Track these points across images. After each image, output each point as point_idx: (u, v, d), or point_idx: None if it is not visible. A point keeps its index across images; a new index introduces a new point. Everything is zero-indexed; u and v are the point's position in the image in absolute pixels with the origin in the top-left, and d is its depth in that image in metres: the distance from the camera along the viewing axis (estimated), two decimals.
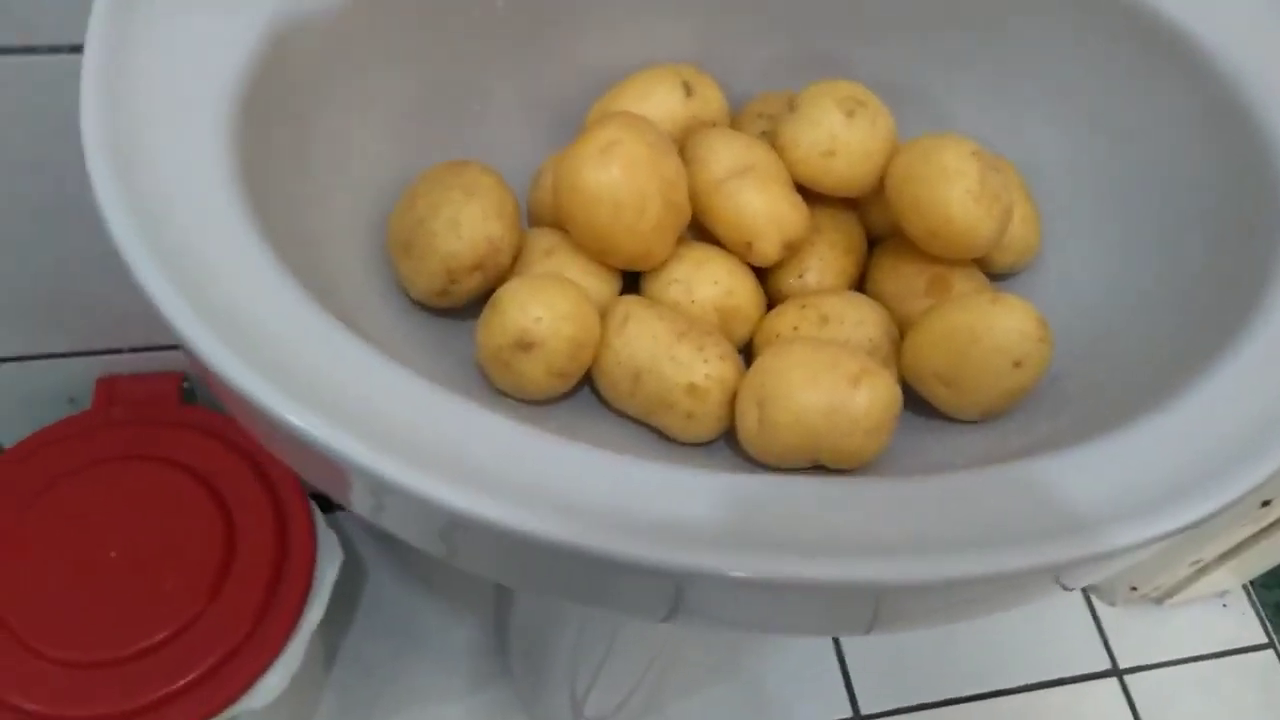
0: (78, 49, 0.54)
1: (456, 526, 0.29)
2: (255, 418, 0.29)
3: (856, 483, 0.33)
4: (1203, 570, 0.95)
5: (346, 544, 0.78)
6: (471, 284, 0.39)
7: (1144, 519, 0.31)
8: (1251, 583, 1.05)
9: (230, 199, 0.31)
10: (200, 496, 0.71)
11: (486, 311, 0.38)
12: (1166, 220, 0.43)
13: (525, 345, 0.37)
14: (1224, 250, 0.40)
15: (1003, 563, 0.30)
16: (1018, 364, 0.38)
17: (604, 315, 0.40)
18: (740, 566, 0.29)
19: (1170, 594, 1.00)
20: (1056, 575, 0.32)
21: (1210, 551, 0.92)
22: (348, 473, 0.28)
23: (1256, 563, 0.95)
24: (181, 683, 0.66)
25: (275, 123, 0.35)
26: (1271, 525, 0.87)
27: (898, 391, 0.37)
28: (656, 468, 0.31)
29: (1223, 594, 1.04)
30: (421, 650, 0.91)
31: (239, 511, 0.71)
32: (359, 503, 0.31)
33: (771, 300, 0.44)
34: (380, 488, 0.28)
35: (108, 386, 0.76)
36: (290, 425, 0.27)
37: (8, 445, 0.78)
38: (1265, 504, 0.84)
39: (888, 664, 0.97)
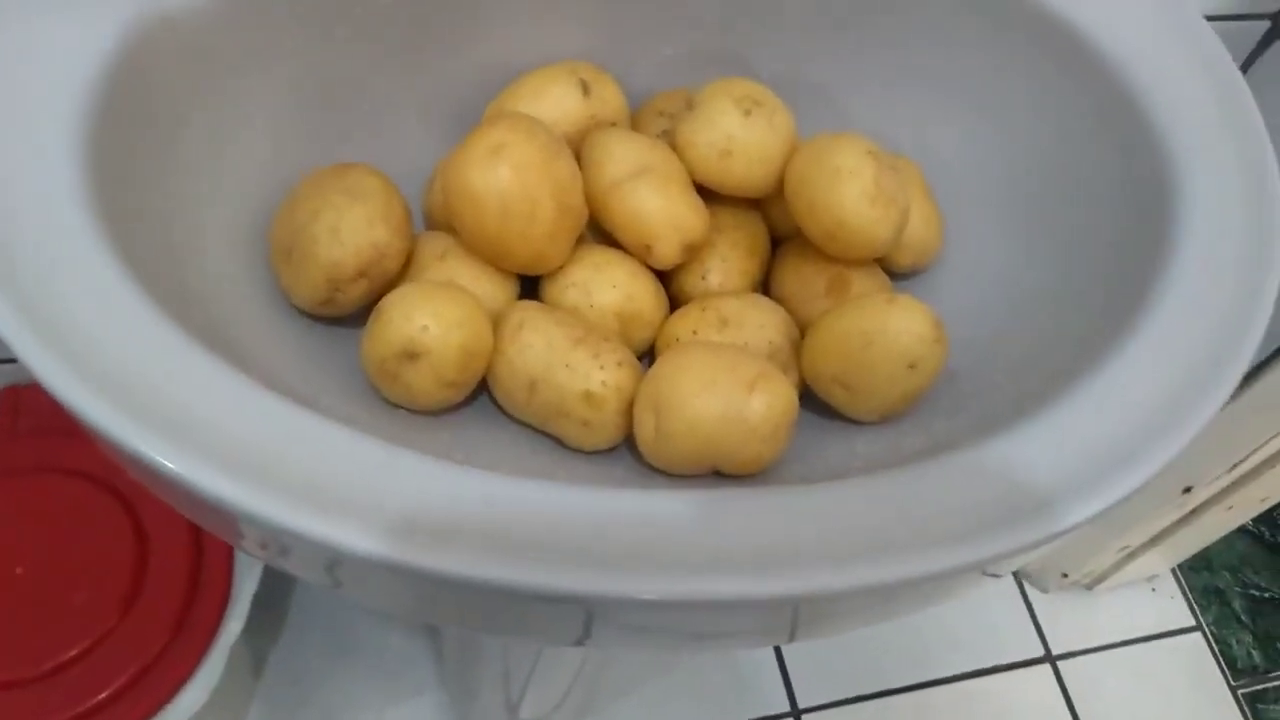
0: None
1: (335, 560, 0.28)
2: (111, 450, 0.27)
3: (758, 493, 0.33)
4: (1131, 555, 0.97)
5: None
6: (356, 292, 0.38)
7: (1043, 515, 0.31)
8: (1179, 566, 1.06)
9: (80, 214, 0.30)
10: (111, 507, 0.69)
11: (371, 321, 0.37)
12: (1064, 216, 0.43)
13: (412, 355, 0.36)
14: (1118, 244, 0.40)
15: (916, 566, 0.30)
16: (912, 366, 0.38)
17: (499, 322, 0.39)
18: (646, 590, 0.28)
19: (1100, 579, 1.01)
20: (981, 568, 0.32)
21: (1136, 537, 0.93)
22: (207, 504, 0.27)
23: (1183, 547, 0.97)
24: (94, 701, 0.64)
25: (138, 131, 0.34)
26: (1194, 510, 0.89)
27: (793, 396, 0.37)
28: (541, 486, 0.30)
29: (1151, 578, 1.06)
30: (353, 657, 0.89)
31: (151, 522, 0.69)
32: (228, 536, 0.30)
33: (675, 302, 0.43)
34: (233, 515, 0.27)
35: (13, 397, 0.73)
36: (133, 450, 0.26)
37: None
38: (1187, 490, 0.85)
39: (826, 656, 0.97)
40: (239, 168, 0.39)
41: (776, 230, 0.45)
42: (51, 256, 0.29)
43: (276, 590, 0.89)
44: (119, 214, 0.31)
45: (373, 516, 0.27)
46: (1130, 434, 0.33)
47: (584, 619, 0.32)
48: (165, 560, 0.68)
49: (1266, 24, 0.71)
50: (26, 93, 0.31)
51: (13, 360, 0.75)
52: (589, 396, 0.37)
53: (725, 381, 0.36)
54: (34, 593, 0.66)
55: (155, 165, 0.34)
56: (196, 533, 0.69)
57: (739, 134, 0.41)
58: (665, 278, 0.43)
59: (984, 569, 0.32)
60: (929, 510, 0.30)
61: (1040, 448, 0.33)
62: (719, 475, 0.38)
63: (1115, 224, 0.40)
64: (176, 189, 0.35)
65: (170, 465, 0.27)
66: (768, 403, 0.36)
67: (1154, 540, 0.94)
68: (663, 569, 0.29)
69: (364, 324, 0.38)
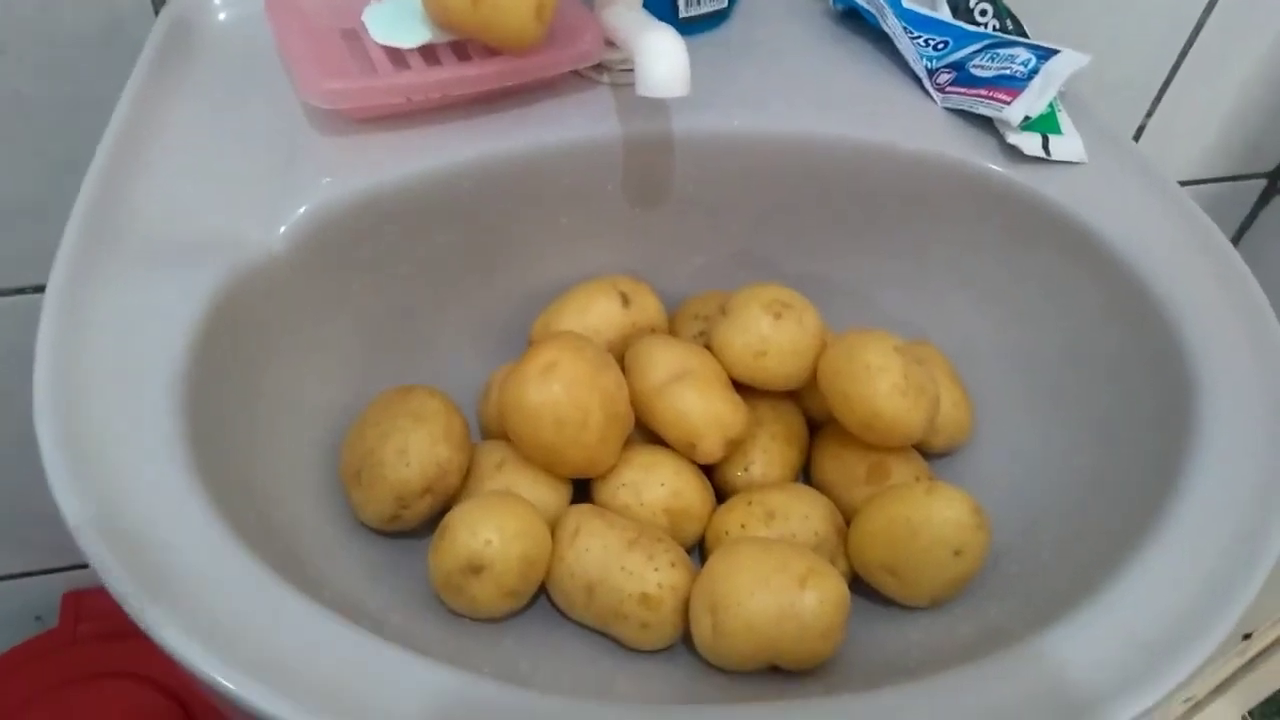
0: (39, 289, 0.57)
1: None
2: (204, 687, 0.29)
3: (817, 705, 0.33)
4: (1198, 706, 0.94)
5: None
6: (422, 508, 0.40)
7: (1116, 701, 0.31)
8: (1250, 713, 1.03)
9: (177, 460, 0.32)
10: (170, 711, 0.69)
11: (436, 537, 0.39)
12: (1087, 395, 0.45)
13: (476, 569, 0.38)
14: (1142, 419, 0.42)
15: None
16: (958, 553, 0.39)
17: (556, 526, 0.41)
18: None
19: None
20: None
21: (1201, 687, 0.91)
22: None
23: (1250, 694, 0.93)
24: None
25: (226, 374, 0.37)
26: (1257, 656, 0.87)
27: (845, 590, 0.38)
28: (611, 711, 0.31)
29: None
30: None
31: None
32: None
33: (720, 493, 0.45)
34: None
35: (74, 601, 0.75)
36: (226, 691, 0.28)
37: None
38: (1246, 637, 0.83)
39: None
40: (311, 399, 0.42)
41: (813, 416, 0.48)
42: (153, 508, 0.31)
43: None
44: (209, 461, 0.33)
45: None
46: (1179, 617, 0.34)
47: None
48: None
49: (1264, 182, 0.74)
50: (133, 353, 0.35)
51: (73, 566, 0.77)
52: (645, 599, 0.39)
53: (778, 579, 0.37)
54: None
55: (239, 408, 0.37)
56: None
57: (771, 335, 0.44)
58: (710, 470, 0.45)
59: None
60: (990, 712, 0.31)
61: (1092, 639, 0.33)
62: (777, 670, 0.39)
63: (1140, 404, 0.42)
64: (257, 428, 0.38)
65: (256, 702, 0.29)
66: (819, 599, 0.37)
67: (1219, 689, 0.91)
68: None
69: (427, 535, 0.40)
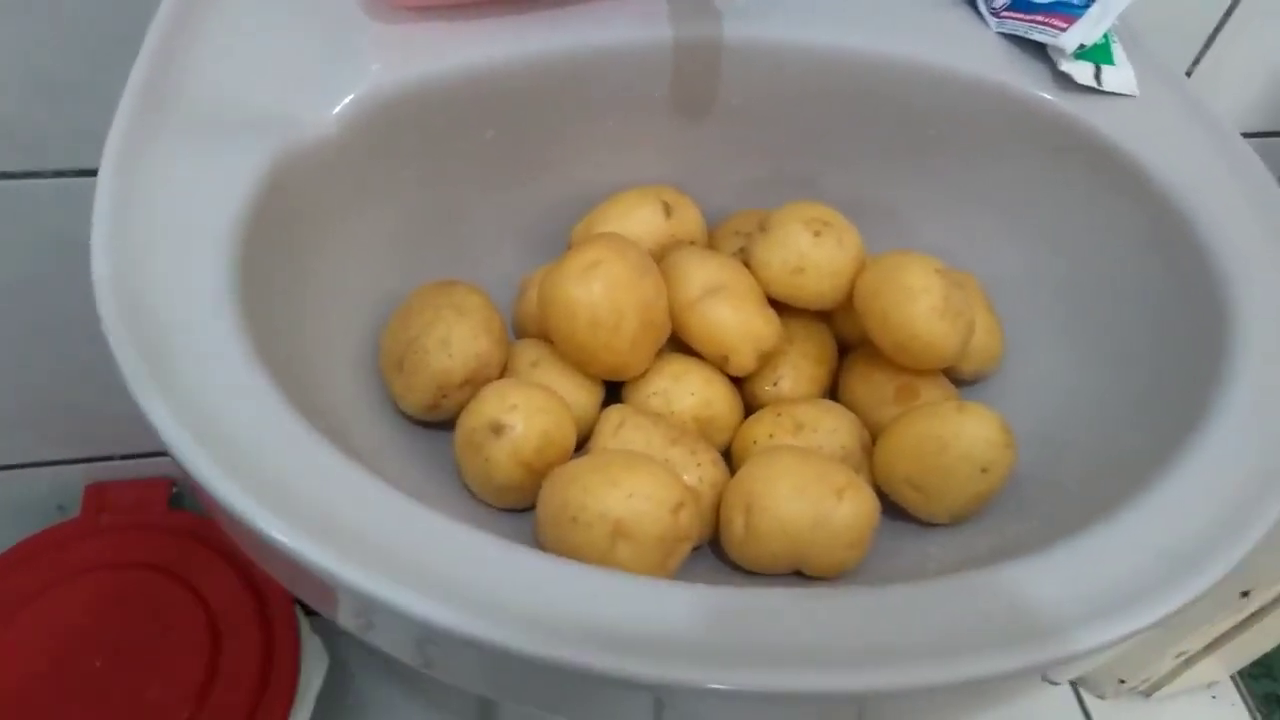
0: (81, 173, 0.57)
1: (431, 639, 0.30)
2: (248, 537, 0.30)
3: (835, 593, 0.34)
4: (1189, 661, 0.95)
5: (332, 648, 0.77)
6: (461, 398, 0.41)
7: (1112, 618, 0.32)
8: (1240, 673, 1.04)
9: (230, 328, 0.33)
10: (187, 602, 0.71)
11: (468, 403, 0.40)
12: (1120, 329, 0.45)
13: (497, 428, 0.39)
14: (1174, 356, 0.42)
15: (982, 667, 0.31)
16: (985, 470, 0.40)
17: (599, 419, 0.42)
18: (718, 679, 0.29)
19: (1158, 686, 0.99)
20: (1042, 673, 0.33)
21: (1195, 643, 0.92)
22: (326, 584, 0.29)
23: (1242, 653, 0.95)
24: None
25: (274, 251, 0.37)
26: (1253, 615, 0.88)
27: (877, 505, 0.39)
28: (630, 579, 0.31)
29: (1211, 685, 1.04)
30: None
31: (225, 618, 0.71)
32: (340, 615, 0.32)
33: (747, 406, 0.46)
34: (357, 600, 0.29)
35: (96, 493, 0.76)
36: (277, 542, 0.29)
37: None
38: (1245, 594, 0.84)
39: None
40: (355, 284, 0.42)
41: (843, 339, 0.48)
42: (210, 375, 0.32)
43: (334, 687, 0.89)
44: (261, 336, 0.34)
45: (485, 602, 0.29)
46: (1192, 542, 0.34)
47: (654, 707, 0.33)
48: (237, 655, 0.69)
49: None
50: (188, 216, 0.35)
51: (97, 458, 0.78)
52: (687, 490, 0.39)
53: (815, 488, 0.38)
54: (111, 686, 0.68)
55: (288, 284, 0.38)
56: (267, 627, 0.71)
57: (810, 253, 0.44)
58: (739, 383, 0.46)
59: (1043, 674, 0.33)
60: (991, 614, 0.31)
61: (1101, 555, 0.34)
62: (799, 575, 0.40)
63: (1174, 345, 0.42)
64: (304, 304, 0.39)
65: (326, 566, 0.29)
66: (854, 511, 0.38)
67: (1212, 646, 0.92)
68: (733, 661, 0.30)
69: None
